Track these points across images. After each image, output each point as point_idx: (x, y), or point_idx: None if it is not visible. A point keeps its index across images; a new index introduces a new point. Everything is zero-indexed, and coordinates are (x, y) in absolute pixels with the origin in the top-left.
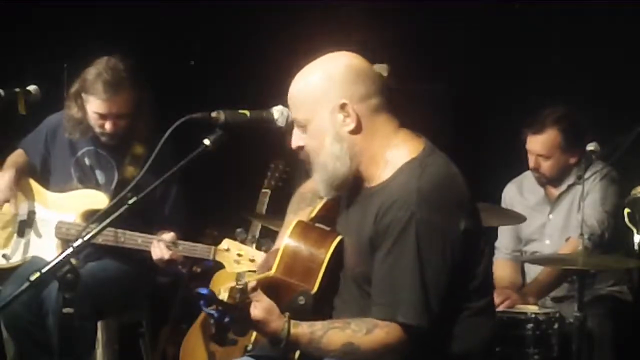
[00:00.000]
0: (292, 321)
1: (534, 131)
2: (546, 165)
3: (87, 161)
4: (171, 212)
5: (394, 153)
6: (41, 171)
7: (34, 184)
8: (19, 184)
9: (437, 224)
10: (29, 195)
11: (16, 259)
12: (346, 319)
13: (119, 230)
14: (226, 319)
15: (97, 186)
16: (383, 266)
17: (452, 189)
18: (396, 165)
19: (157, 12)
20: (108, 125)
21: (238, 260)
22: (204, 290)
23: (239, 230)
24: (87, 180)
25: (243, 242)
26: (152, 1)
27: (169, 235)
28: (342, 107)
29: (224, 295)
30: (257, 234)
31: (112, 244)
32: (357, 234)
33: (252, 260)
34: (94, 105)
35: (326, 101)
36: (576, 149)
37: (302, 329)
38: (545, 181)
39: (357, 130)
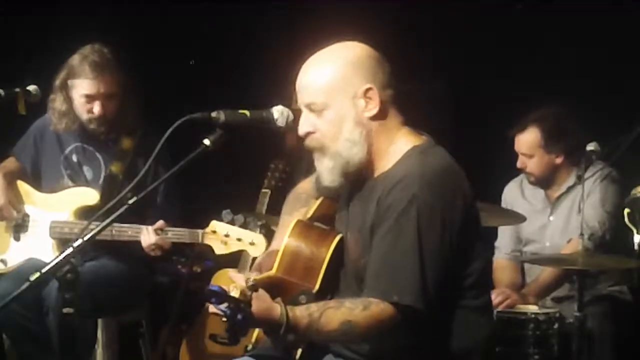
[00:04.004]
0: (287, 306)
1: (518, 131)
2: (531, 164)
3: (75, 158)
4: (163, 203)
5: (397, 145)
6: (32, 173)
7: (25, 186)
8: (10, 189)
9: (437, 209)
10: (21, 198)
11: (14, 263)
12: (339, 299)
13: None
14: (239, 316)
15: (86, 182)
16: (381, 245)
17: (454, 178)
18: (398, 155)
19: (158, 11)
20: (97, 107)
21: (225, 242)
22: (215, 288)
23: (225, 211)
24: (76, 177)
25: (230, 223)
26: (152, 1)
27: (157, 223)
28: (366, 92)
29: (235, 293)
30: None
31: (103, 238)
32: (360, 224)
33: (239, 240)
34: (82, 87)
35: (349, 87)
36: (560, 148)
37: (300, 311)
38: (535, 181)
39: (377, 116)
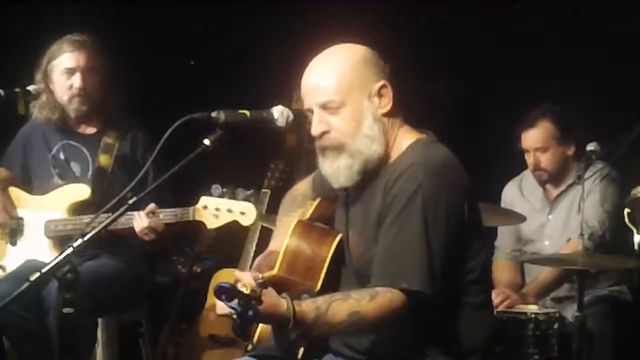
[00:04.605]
0: (294, 300)
1: (527, 127)
2: (545, 159)
3: (62, 155)
4: (157, 196)
5: (400, 139)
6: (23, 179)
7: (17, 191)
8: (3, 195)
9: (442, 199)
10: (14, 204)
11: (12, 269)
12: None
13: (103, 216)
14: (250, 312)
15: (75, 178)
16: (387, 235)
17: (456, 171)
18: (402, 148)
19: (157, 11)
20: (77, 80)
21: (216, 215)
22: (226, 284)
23: (214, 186)
24: (65, 175)
25: (219, 197)
26: (152, 1)
27: (148, 207)
28: (381, 89)
29: (245, 290)
30: (258, 233)
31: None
32: (364, 218)
33: (230, 211)
34: (62, 62)
35: (365, 84)
36: (570, 139)
37: (307, 305)
38: (547, 178)
39: (388, 113)
